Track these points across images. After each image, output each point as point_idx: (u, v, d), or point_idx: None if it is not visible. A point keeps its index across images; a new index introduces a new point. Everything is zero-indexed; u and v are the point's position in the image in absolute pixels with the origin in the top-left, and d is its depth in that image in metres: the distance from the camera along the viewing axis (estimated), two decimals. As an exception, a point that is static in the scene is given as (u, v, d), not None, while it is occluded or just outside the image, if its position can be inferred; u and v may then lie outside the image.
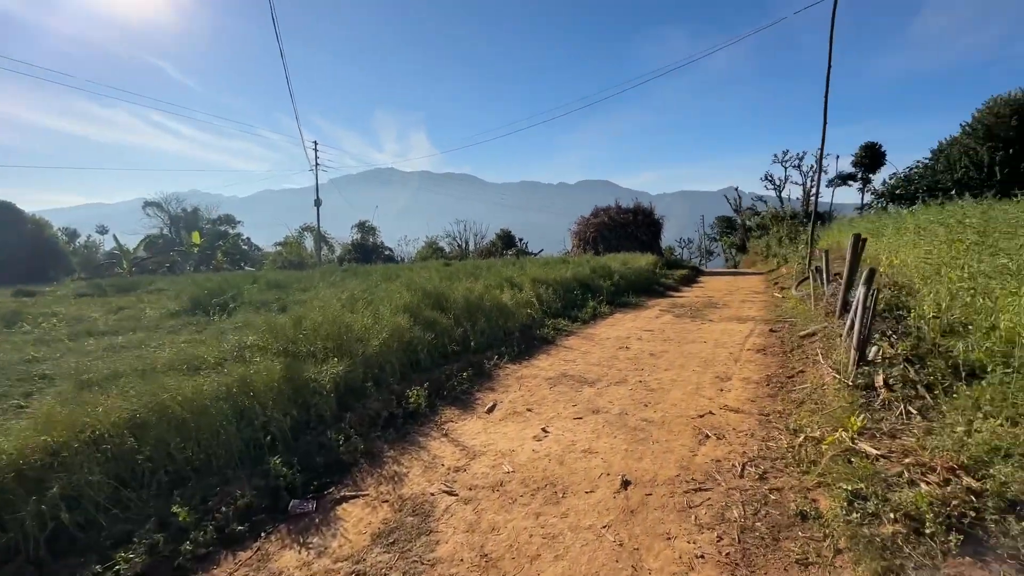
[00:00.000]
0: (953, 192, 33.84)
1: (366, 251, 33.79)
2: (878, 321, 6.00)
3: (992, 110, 29.49)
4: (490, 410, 5.31)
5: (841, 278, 7.78)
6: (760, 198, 42.43)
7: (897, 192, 33.34)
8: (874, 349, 5.03)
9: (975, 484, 3.00)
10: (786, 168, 39.82)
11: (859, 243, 6.44)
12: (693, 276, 22.60)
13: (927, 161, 33.22)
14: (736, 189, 44.83)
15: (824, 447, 3.83)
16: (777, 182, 40.13)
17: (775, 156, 39.97)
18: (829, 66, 12.76)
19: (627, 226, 28.32)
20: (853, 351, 4.94)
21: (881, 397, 4.37)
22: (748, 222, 41.97)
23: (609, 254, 24.56)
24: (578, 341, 8.80)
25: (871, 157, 34.18)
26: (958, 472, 3.13)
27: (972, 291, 5.48)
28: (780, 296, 13.34)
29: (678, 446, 4.32)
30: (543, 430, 4.72)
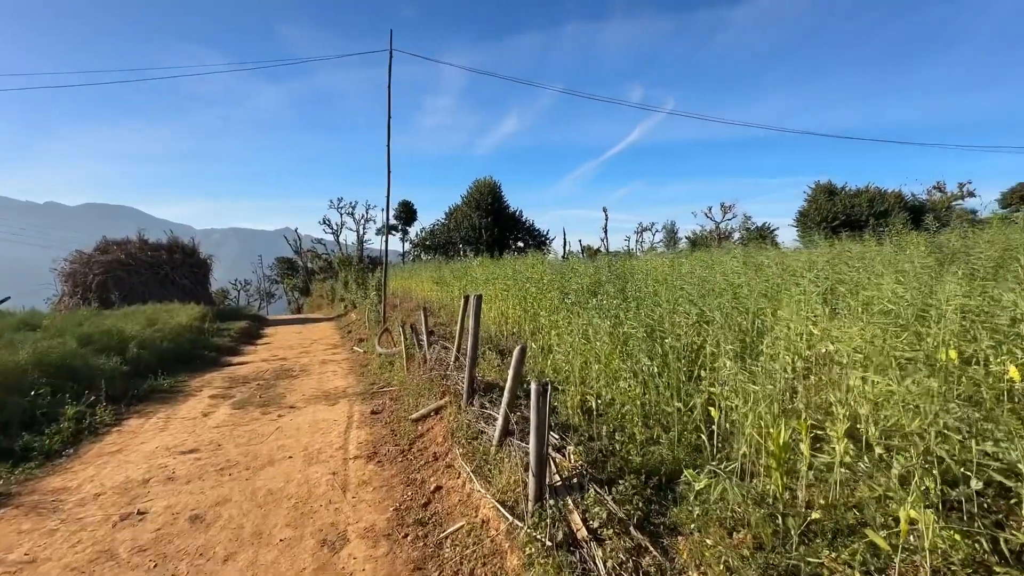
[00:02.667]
0: (461, 246, 43.20)
1: None
2: (487, 396, 4.70)
3: (478, 188, 39.32)
4: None
5: (453, 342, 6.41)
6: (320, 241, 41.62)
7: (427, 243, 39.61)
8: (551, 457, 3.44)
9: None
10: (342, 214, 40.70)
11: (473, 303, 5.08)
12: (257, 328, 18.33)
13: (443, 220, 41.04)
14: (296, 230, 42.44)
15: None
16: (335, 227, 40.35)
17: (331, 202, 40.28)
18: (388, 136, 12.24)
19: (158, 267, 20.81)
20: (531, 478, 3.18)
21: (597, 557, 2.69)
22: (311, 264, 40.29)
23: (133, 306, 17.05)
24: (6, 527, 3.92)
25: (407, 212, 39.22)
26: None
27: (582, 355, 4.85)
28: (362, 351, 11.54)
29: None
30: None
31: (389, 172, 12.27)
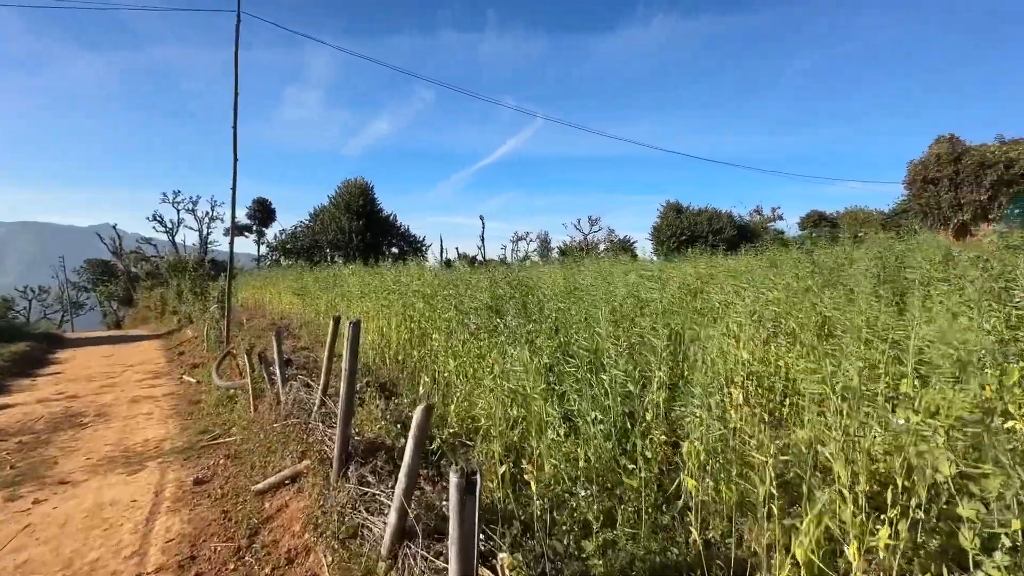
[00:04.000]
0: (328, 251, 39.16)
1: None
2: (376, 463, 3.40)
3: (348, 188, 35.97)
4: None
5: (319, 377, 4.81)
6: (148, 240, 34.12)
7: (287, 247, 34.97)
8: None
9: None
10: (179, 211, 34.04)
11: (349, 334, 3.61)
12: (45, 352, 13.82)
13: (308, 222, 36.70)
14: (115, 227, 34.31)
15: None
16: (169, 224, 33.58)
17: (164, 195, 33.37)
18: (235, 112, 9.84)
19: None
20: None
21: None
22: (135, 268, 32.79)
23: None
24: None
25: (263, 211, 34.22)
26: None
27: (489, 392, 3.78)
28: (195, 381, 8.97)
29: None
30: None
31: (236, 154, 9.82)
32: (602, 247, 36.16)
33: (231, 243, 10.75)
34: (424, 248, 39.31)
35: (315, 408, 4.50)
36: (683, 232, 30.40)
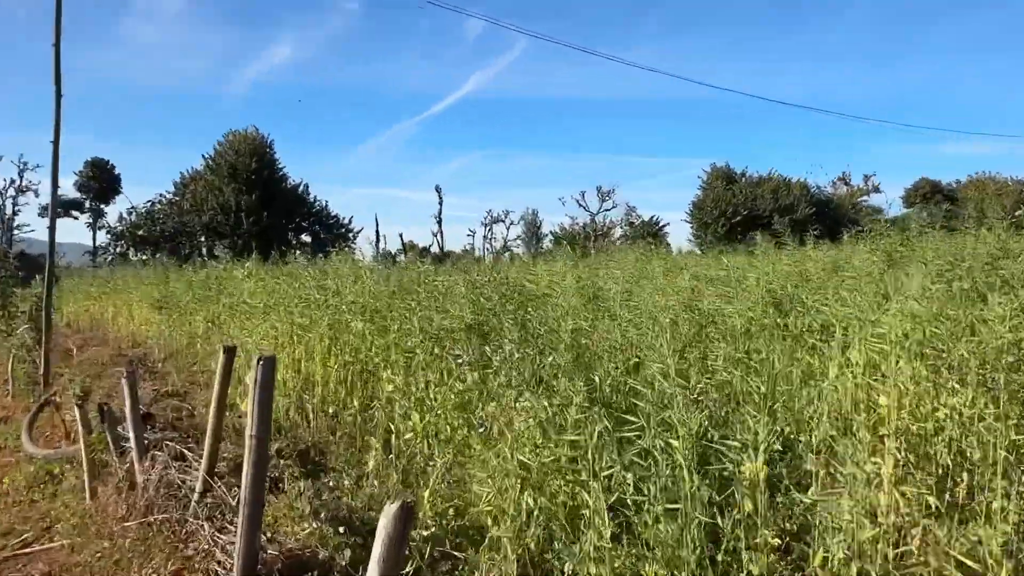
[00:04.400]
0: (204, 239, 38.24)
1: None
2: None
3: (233, 145, 35.18)
4: None
5: (201, 442, 4.45)
6: (-84, 225, 32.66)
7: (140, 233, 33.97)
8: None
9: None
10: (-34, 178, 32.71)
11: (257, 378, 3.30)
12: None
13: (172, 195, 35.80)
14: None
15: None
16: (-50, 200, 32.29)
17: (-58, 155, 32.00)
18: (58, 35, 9.37)
19: None
20: None
21: None
22: None
23: None
24: None
25: (103, 179, 33.14)
26: None
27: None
28: (-8, 449, 8.43)
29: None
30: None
31: (59, 86, 9.26)
32: (617, 233, 36.31)
33: (51, 226, 10.20)
34: (352, 234, 38.83)
35: (195, 496, 4.14)
36: (736, 210, 30.46)
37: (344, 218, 38.75)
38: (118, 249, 33.41)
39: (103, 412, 5.50)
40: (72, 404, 8.12)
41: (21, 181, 33.49)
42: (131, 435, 5.06)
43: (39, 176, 34.32)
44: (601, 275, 8.13)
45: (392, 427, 4.91)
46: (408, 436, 4.58)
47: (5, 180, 33.63)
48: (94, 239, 33.40)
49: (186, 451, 4.82)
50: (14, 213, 33.21)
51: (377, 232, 42.18)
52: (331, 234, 38.25)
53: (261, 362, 3.23)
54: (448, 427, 4.33)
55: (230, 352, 4.29)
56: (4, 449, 8.37)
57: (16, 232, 34.49)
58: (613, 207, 36.99)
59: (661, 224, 37.35)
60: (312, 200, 38.07)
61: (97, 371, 8.18)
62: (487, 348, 4.80)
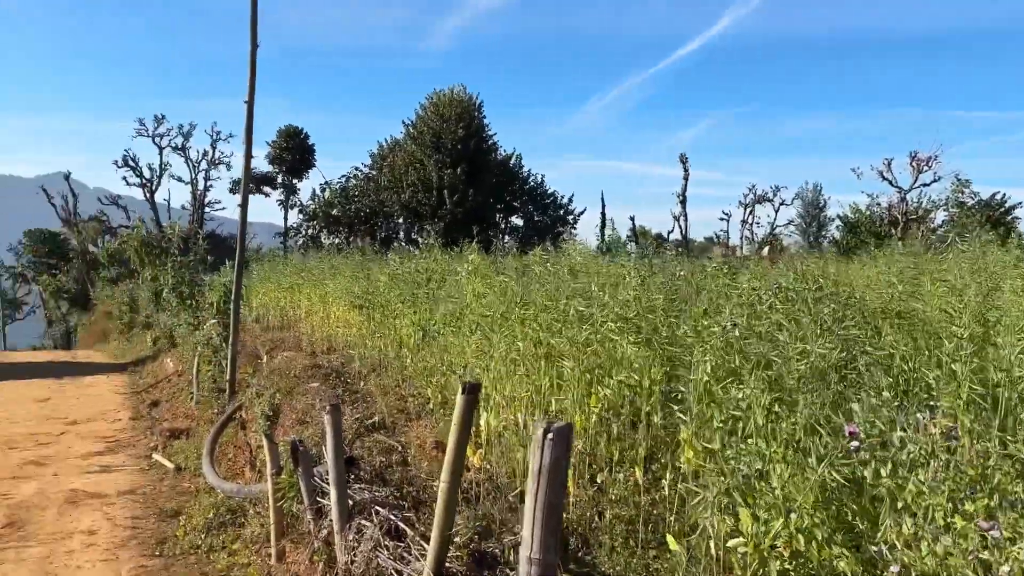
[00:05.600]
0: (400, 218, 40.51)
1: None
2: None
3: (437, 107, 36.66)
4: None
5: (429, 510, 3.86)
6: (116, 200, 38.66)
7: (332, 213, 36.77)
8: None
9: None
10: (161, 150, 37.93)
11: (545, 457, 2.57)
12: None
13: (367, 169, 38.36)
14: (67, 178, 39.39)
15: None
16: (147, 172, 37.56)
17: (140, 124, 37.36)
18: None
19: None
20: None
21: None
22: (94, 246, 37.28)
23: None
24: None
25: (297, 149, 36.40)
26: None
27: None
28: (171, 468, 8.97)
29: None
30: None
31: (254, 38, 9.67)
32: (939, 218, 31.78)
33: (243, 203, 10.71)
34: (573, 217, 38.66)
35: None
36: None
37: (562, 197, 38.71)
38: (309, 231, 36.29)
39: (296, 451, 5.20)
40: (259, 425, 8.27)
41: (214, 152, 37.71)
42: (332, 491, 4.67)
43: (231, 147, 38.35)
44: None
45: (699, 522, 3.96)
46: (738, 546, 3.57)
47: (198, 152, 38.16)
48: (285, 218, 36.69)
49: (403, 525, 4.28)
50: (206, 188, 37.53)
51: (603, 215, 41.76)
52: (547, 216, 38.43)
53: (549, 435, 2.42)
54: (815, 547, 3.30)
55: (472, 393, 3.63)
56: (184, 472, 8.90)
57: (207, 209, 38.85)
58: (935, 179, 32.57)
59: (1010, 205, 32.41)
60: (525, 175, 38.52)
61: (288, 385, 8.32)
62: (856, 406, 3.73)
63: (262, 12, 10.05)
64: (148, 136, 36.78)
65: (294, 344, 10.47)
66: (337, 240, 34.97)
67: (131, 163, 36.31)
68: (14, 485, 8.68)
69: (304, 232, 36.80)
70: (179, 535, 6.88)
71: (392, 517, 4.44)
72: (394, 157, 36.51)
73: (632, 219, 41.26)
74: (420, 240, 25.19)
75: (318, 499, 5.03)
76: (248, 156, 10.73)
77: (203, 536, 6.74)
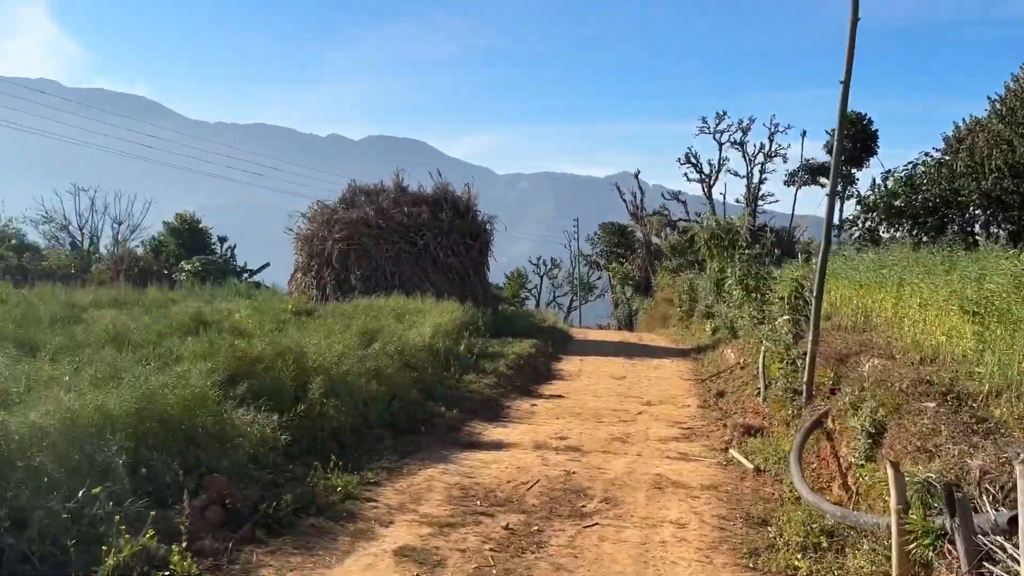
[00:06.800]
0: (969, 213, 35.30)
1: None
2: None
3: (1037, 79, 30.88)
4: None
5: None
6: (676, 195, 41.09)
7: (896, 204, 33.50)
8: None
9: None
10: (721, 145, 39.04)
11: None
12: (549, 359, 18.05)
13: (939, 154, 34.12)
14: (637, 176, 43.14)
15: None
16: (708, 168, 39.06)
17: (703, 123, 38.97)
18: None
19: (417, 232, 22.96)
20: None
21: None
22: (656, 238, 40.14)
23: (371, 297, 19.08)
24: None
25: (860, 138, 34.12)
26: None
27: None
28: (751, 468, 8.65)
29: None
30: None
31: (853, 49, 8.74)
32: None
33: (831, 192, 9.94)
34: None
35: None
36: None
37: None
38: (867, 223, 33.95)
39: (952, 497, 4.21)
40: (855, 439, 7.47)
41: (771, 145, 37.61)
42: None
43: (788, 139, 37.84)
44: None
45: None
46: None
47: (755, 145, 38.41)
48: (841, 210, 34.80)
49: None
50: (760, 181, 37.65)
51: None
52: None
53: None
54: None
55: None
56: (766, 473, 8.50)
57: (759, 203, 38.99)
58: None
59: None
60: None
61: (892, 400, 7.23)
62: None
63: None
64: (709, 133, 38.26)
65: (884, 352, 9.31)
66: (899, 233, 32.00)
67: (692, 160, 38.20)
68: (605, 460, 9.27)
69: (861, 225, 34.49)
70: (775, 550, 6.44)
71: None
72: (974, 139, 32.01)
73: None
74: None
75: (987, 565, 3.99)
76: (839, 141, 9.91)
77: (799, 556, 6.14)
